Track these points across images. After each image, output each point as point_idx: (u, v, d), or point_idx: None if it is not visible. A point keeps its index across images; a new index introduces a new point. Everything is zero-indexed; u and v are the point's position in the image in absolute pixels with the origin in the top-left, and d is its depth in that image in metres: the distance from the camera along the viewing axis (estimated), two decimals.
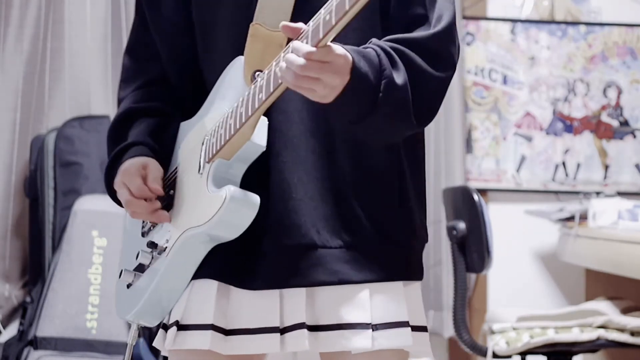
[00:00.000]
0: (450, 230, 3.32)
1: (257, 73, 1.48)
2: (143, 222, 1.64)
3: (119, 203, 1.61)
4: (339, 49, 1.34)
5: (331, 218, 1.49)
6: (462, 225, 3.31)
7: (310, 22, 1.33)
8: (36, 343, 3.55)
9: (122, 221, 3.79)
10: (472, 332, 3.60)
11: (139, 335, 3.54)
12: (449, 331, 4.07)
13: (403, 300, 1.52)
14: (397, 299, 1.52)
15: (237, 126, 1.43)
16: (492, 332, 3.29)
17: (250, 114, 1.40)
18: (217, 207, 1.43)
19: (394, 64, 1.41)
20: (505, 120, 4.31)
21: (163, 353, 1.57)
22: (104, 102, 4.04)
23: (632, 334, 3.15)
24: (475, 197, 3.27)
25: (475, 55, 4.31)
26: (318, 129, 1.51)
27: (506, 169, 4.31)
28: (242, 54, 1.53)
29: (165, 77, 1.69)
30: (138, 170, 1.54)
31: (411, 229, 1.55)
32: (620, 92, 4.36)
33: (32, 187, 3.89)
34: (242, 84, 1.50)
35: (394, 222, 1.53)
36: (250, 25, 1.51)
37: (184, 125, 1.65)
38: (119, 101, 1.71)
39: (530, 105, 4.33)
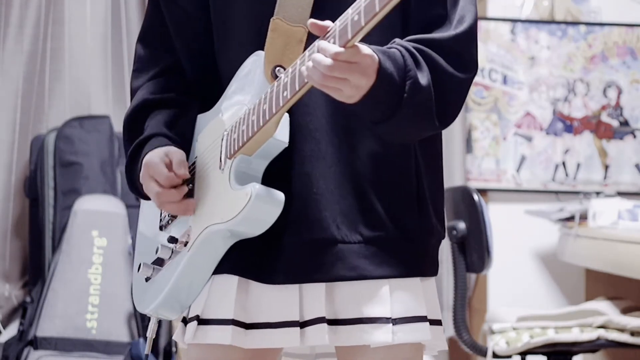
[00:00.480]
0: (450, 230, 3.32)
1: (277, 68, 1.48)
2: (161, 215, 1.64)
3: (144, 197, 1.60)
4: (365, 49, 1.34)
5: (350, 213, 1.50)
6: (462, 225, 3.31)
7: (338, 22, 1.32)
8: (36, 343, 3.55)
9: (122, 221, 3.82)
10: (472, 332, 3.60)
11: (139, 335, 3.54)
12: (449, 331, 4.06)
13: (421, 295, 1.53)
14: (415, 294, 1.52)
15: (261, 123, 1.42)
16: (492, 332, 3.29)
17: (274, 111, 1.40)
18: (242, 205, 1.43)
19: (418, 65, 1.42)
20: (505, 120, 4.31)
21: (181, 346, 1.57)
22: (104, 102, 4.04)
23: (632, 334, 3.15)
24: (475, 197, 3.27)
25: None
26: (338, 123, 1.51)
27: (506, 169, 4.31)
28: (260, 49, 1.53)
29: (180, 66, 1.68)
30: (162, 159, 1.53)
31: (428, 225, 1.56)
32: (620, 92, 4.36)
33: (32, 187, 3.89)
34: (263, 80, 1.50)
35: (412, 217, 1.53)
36: (271, 20, 1.50)
37: (200, 117, 1.65)
38: (133, 91, 1.70)
39: (530, 105, 4.33)
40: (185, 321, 1.56)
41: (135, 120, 1.65)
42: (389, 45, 1.43)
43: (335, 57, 1.30)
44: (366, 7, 1.26)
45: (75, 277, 3.61)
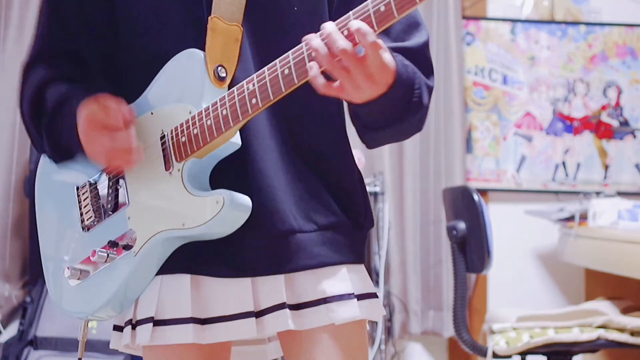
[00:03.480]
0: (450, 230, 3.33)
1: (219, 68, 1.47)
2: (81, 215, 1.58)
3: (71, 157, 1.53)
4: (384, 54, 1.33)
5: (302, 203, 1.51)
6: (462, 225, 3.31)
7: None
8: (36, 343, 3.55)
9: None
10: (472, 332, 3.60)
11: None
12: (449, 331, 4.07)
13: (366, 274, 1.58)
14: (363, 273, 1.57)
15: (223, 129, 1.42)
16: (492, 332, 3.29)
17: (241, 118, 1.40)
18: (213, 212, 1.42)
19: (426, 83, 1.47)
20: (505, 120, 4.31)
21: (123, 350, 1.55)
22: None
23: (632, 334, 3.16)
24: (475, 197, 3.27)
25: (475, 55, 4.31)
26: (276, 114, 1.51)
27: (506, 169, 4.31)
28: (193, 42, 1.50)
29: (77, 56, 1.60)
30: (101, 104, 1.43)
31: (369, 212, 1.60)
32: (620, 92, 4.36)
33: (32, 187, 3.88)
34: (205, 80, 1.47)
35: (358, 204, 1.57)
36: (209, 18, 1.49)
37: None
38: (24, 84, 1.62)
39: (530, 105, 4.33)
40: (132, 325, 1.53)
41: (39, 101, 1.57)
42: (404, 63, 1.44)
43: (372, 46, 1.29)
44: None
45: None
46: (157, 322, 1.50)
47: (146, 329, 1.49)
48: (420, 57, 1.50)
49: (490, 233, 3.24)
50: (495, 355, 3.24)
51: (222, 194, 1.42)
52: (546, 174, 4.32)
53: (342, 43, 1.29)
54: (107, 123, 1.42)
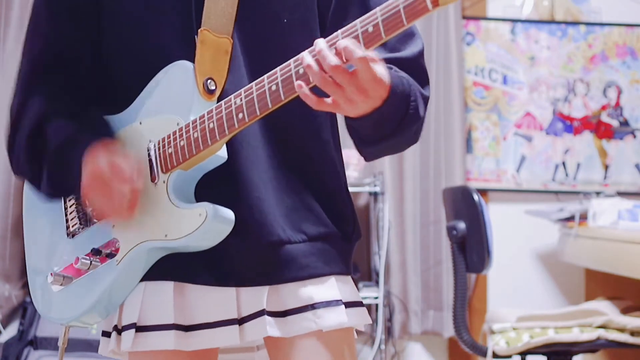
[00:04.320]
0: (450, 230, 3.33)
1: (208, 81, 1.47)
2: (67, 222, 1.58)
3: (66, 194, 1.52)
4: (376, 67, 1.32)
5: (292, 214, 1.51)
6: (462, 225, 3.31)
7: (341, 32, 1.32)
8: (36, 343, 3.55)
9: None
10: (472, 332, 3.60)
11: None
12: (449, 331, 4.07)
13: (354, 288, 1.58)
14: (351, 284, 1.57)
15: (209, 143, 1.42)
16: (492, 332, 3.29)
17: (227, 132, 1.40)
18: (196, 225, 1.42)
19: (422, 94, 1.46)
20: (505, 120, 4.31)
21: (110, 356, 1.55)
22: None
23: (632, 334, 3.16)
24: (475, 197, 3.27)
25: (475, 55, 4.31)
26: (266, 124, 1.51)
27: (506, 169, 4.31)
28: (169, 54, 1.49)
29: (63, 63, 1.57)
30: (109, 163, 1.42)
31: (354, 222, 1.60)
32: (620, 92, 4.36)
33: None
34: (194, 92, 1.47)
35: (346, 215, 1.57)
36: (199, 31, 1.49)
37: (112, 120, 1.56)
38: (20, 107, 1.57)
39: (530, 105, 4.33)
40: (118, 331, 1.53)
41: (42, 131, 1.52)
42: (399, 74, 1.43)
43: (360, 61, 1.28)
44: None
45: None
46: (140, 328, 1.49)
47: (129, 334, 1.49)
48: (416, 67, 1.50)
49: (490, 233, 3.24)
50: (495, 355, 3.24)
51: (205, 207, 1.42)
52: (546, 174, 4.32)
53: (333, 60, 1.28)
54: (112, 184, 1.41)
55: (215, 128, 1.41)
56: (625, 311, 3.33)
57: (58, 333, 3.56)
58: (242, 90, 1.39)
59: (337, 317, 1.49)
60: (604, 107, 4.35)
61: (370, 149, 1.51)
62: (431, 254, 4.18)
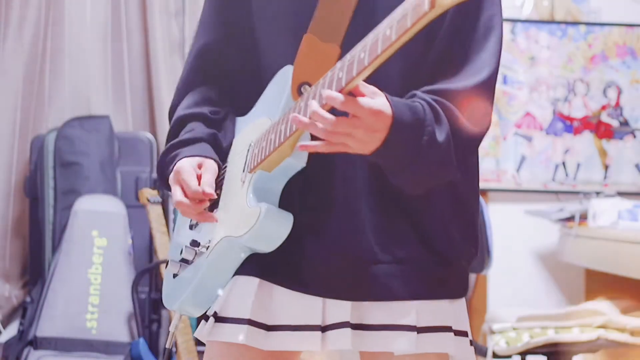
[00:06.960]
0: None
1: (303, 86, 1.47)
2: None
3: (168, 188, 1.63)
4: (371, 103, 1.32)
5: (383, 232, 1.50)
6: None
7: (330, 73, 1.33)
8: (36, 343, 3.55)
9: (122, 221, 3.82)
10: (472, 332, 3.60)
11: (139, 335, 3.54)
12: None
13: (449, 309, 1.54)
14: (443, 309, 1.54)
15: (276, 144, 1.44)
16: (492, 332, 3.29)
17: (288, 134, 1.41)
18: (252, 223, 1.46)
19: (438, 120, 1.41)
20: (505, 120, 4.31)
21: (203, 340, 1.59)
22: (104, 102, 4.04)
23: (632, 333, 3.16)
24: None
25: None
26: None
27: (506, 169, 4.31)
28: (284, 56, 1.52)
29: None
30: (194, 169, 1.55)
31: (459, 245, 1.55)
32: (620, 92, 4.36)
33: (32, 187, 3.89)
34: (288, 96, 1.49)
35: (442, 239, 1.53)
36: (304, 35, 1.49)
37: (239, 121, 1.66)
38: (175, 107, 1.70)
39: (530, 105, 4.33)
40: (205, 317, 1.57)
41: (183, 123, 1.65)
42: (412, 99, 1.42)
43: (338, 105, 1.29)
44: (347, 68, 1.28)
45: (75, 277, 3.61)
46: (219, 319, 1.52)
47: (209, 323, 1.53)
48: (464, 99, 1.45)
49: (490, 233, 3.24)
50: (495, 355, 3.24)
51: (262, 206, 1.46)
52: (546, 174, 4.32)
53: (330, 117, 1.30)
54: (183, 188, 1.54)
55: (283, 129, 1.42)
56: (625, 311, 3.32)
57: (58, 333, 3.59)
58: (306, 93, 1.40)
59: (406, 342, 1.48)
60: (604, 107, 4.35)
61: (397, 181, 1.46)
62: None
